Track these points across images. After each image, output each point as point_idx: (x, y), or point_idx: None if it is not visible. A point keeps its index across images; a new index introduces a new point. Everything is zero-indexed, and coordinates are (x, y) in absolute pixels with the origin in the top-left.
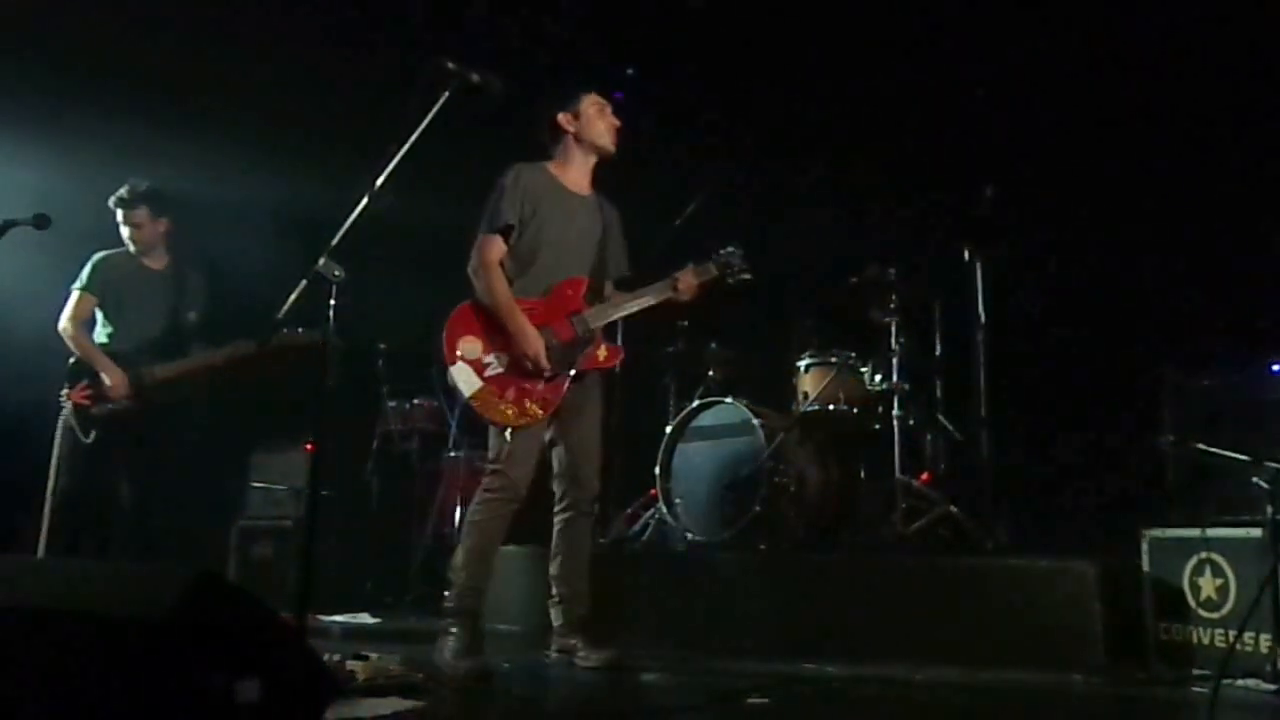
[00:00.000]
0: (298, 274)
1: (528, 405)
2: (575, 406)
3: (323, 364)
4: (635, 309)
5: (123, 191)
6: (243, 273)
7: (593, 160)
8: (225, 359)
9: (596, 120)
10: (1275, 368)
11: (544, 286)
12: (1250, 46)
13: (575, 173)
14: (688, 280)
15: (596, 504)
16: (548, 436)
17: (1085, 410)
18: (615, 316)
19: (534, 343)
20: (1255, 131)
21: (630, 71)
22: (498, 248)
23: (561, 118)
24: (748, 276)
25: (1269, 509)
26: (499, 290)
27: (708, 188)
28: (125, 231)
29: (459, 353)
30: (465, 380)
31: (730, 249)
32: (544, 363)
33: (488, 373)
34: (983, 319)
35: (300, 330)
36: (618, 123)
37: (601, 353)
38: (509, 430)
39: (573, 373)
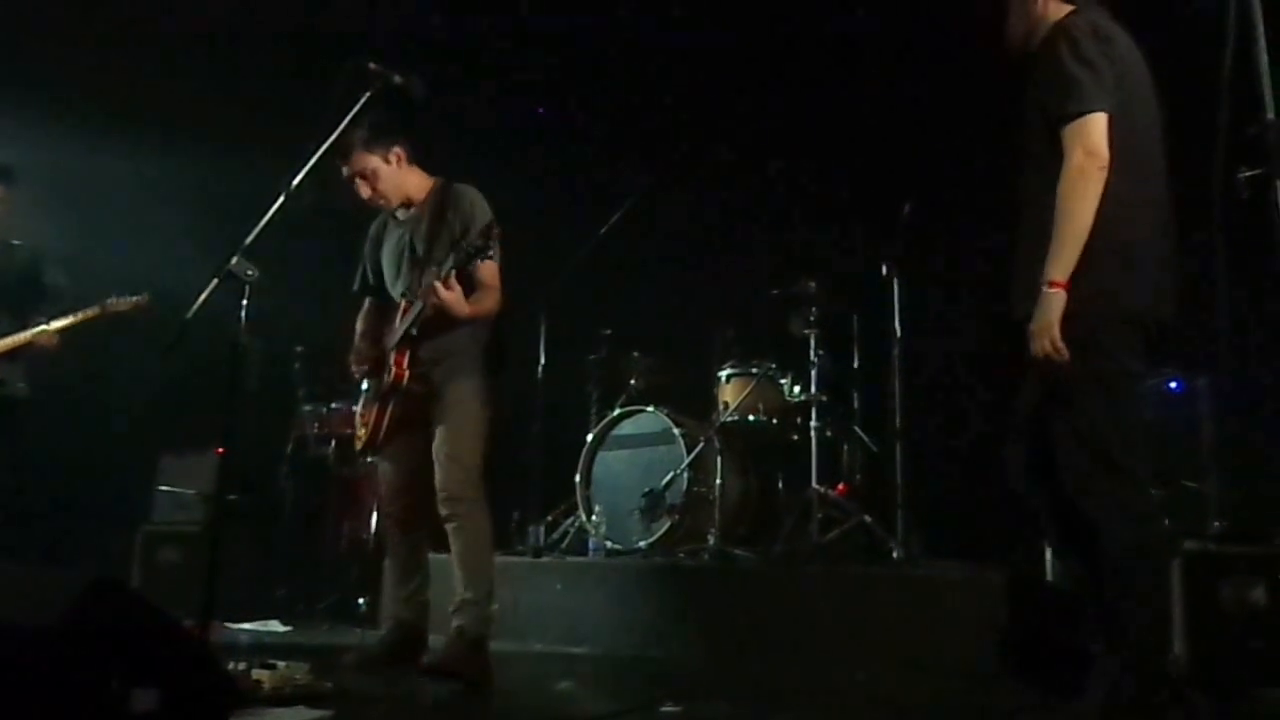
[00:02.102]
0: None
1: (361, 431)
2: (415, 421)
3: (235, 366)
4: (409, 323)
5: None
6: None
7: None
8: (44, 335)
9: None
10: (1173, 385)
11: None
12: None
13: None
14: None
15: (459, 505)
16: (394, 454)
17: (998, 423)
18: (400, 330)
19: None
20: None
21: (540, 110)
22: (363, 306)
23: None
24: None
25: (1165, 520)
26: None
27: (633, 197)
28: None
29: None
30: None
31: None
32: (351, 368)
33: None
34: (899, 333)
35: (125, 296)
36: (359, 190)
37: (391, 370)
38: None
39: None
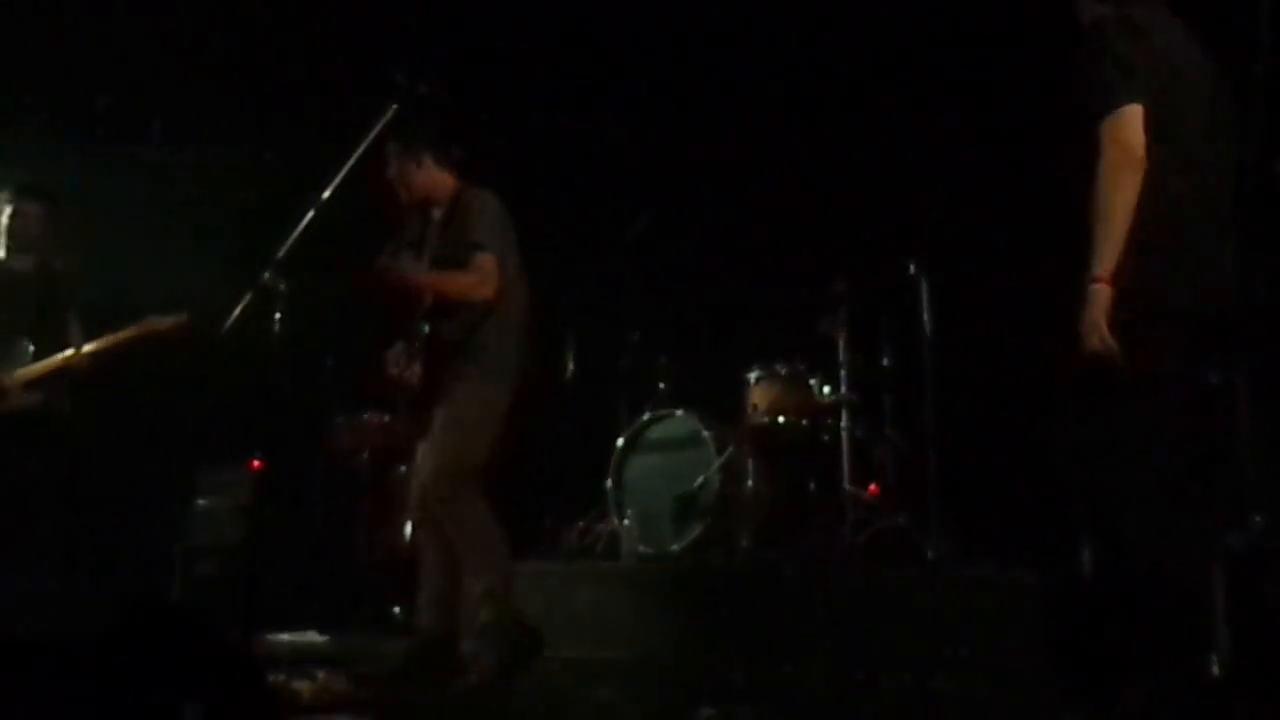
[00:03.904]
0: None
1: None
2: (430, 422)
3: (268, 379)
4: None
5: (19, 182)
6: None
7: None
8: (86, 355)
9: None
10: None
11: None
12: None
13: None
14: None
15: (431, 504)
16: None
17: (1033, 421)
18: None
19: None
20: None
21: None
22: None
23: None
24: None
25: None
26: None
27: (657, 202)
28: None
29: None
30: None
31: None
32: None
33: None
34: (929, 331)
35: (164, 316)
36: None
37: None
38: None
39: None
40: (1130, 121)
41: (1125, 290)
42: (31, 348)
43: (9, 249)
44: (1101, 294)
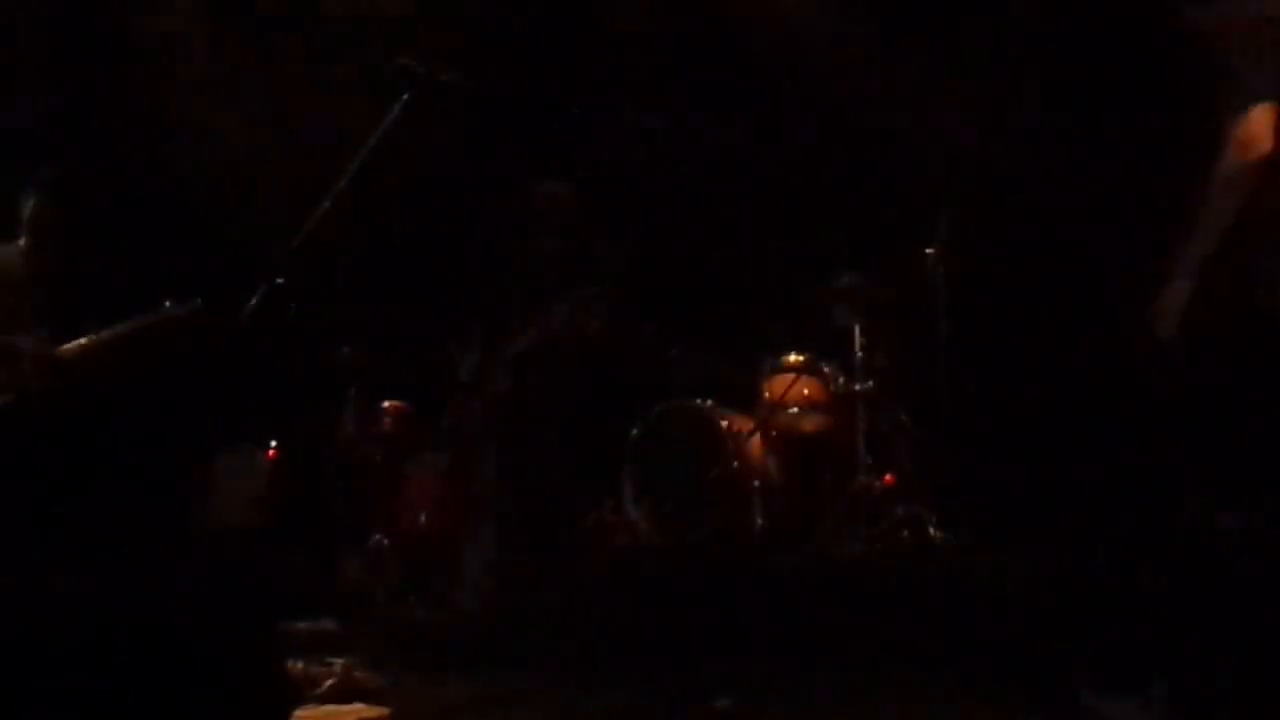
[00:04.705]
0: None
1: None
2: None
3: (285, 367)
4: None
5: (41, 178)
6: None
7: None
8: (103, 344)
9: None
10: None
11: None
12: None
13: None
14: None
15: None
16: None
17: (1050, 411)
18: None
19: None
20: None
21: (575, 110)
22: None
23: None
24: None
25: None
26: None
27: (673, 190)
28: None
29: None
30: None
31: None
32: None
33: None
34: (945, 321)
35: (179, 305)
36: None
37: None
38: None
39: None
40: (1257, 122)
41: (1208, 291)
42: (49, 338)
43: (31, 243)
44: (1178, 292)
